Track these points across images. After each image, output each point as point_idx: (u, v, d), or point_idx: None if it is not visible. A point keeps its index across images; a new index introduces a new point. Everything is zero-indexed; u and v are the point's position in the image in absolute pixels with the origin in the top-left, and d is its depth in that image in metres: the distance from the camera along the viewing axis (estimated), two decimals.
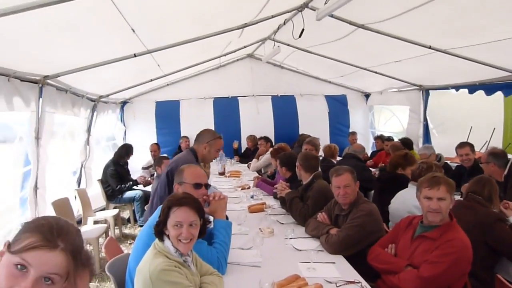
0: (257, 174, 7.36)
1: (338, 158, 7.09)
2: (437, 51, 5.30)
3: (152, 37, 4.67)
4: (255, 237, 3.14)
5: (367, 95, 10.30)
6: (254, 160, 7.77)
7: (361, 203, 3.25)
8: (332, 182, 3.39)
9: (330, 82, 10.09)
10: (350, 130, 9.89)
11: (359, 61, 7.42)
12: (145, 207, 6.66)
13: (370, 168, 6.80)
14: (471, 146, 5.25)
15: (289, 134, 9.60)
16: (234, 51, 7.62)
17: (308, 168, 4.07)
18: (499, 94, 6.42)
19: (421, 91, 8.03)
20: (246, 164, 8.20)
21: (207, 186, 2.82)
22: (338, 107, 10.16)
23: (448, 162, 6.47)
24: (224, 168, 7.16)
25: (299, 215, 3.83)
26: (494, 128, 8.50)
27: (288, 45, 7.37)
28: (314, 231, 3.43)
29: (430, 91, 7.91)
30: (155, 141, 8.88)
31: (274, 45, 6.99)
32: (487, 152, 4.66)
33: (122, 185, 7.01)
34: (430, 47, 5.28)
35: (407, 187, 4.31)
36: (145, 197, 6.96)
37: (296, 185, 4.37)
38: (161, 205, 2.70)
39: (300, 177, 4.18)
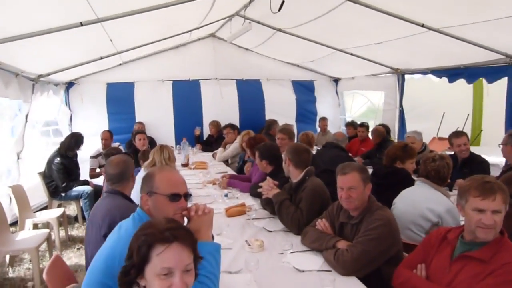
0: (224, 165, 6.66)
1: (316, 148, 6.53)
2: (430, 30, 4.78)
3: (104, 0, 3.76)
4: (247, 258, 2.43)
5: (336, 80, 9.79)
6: (220, 149, 7.01)
7: (375, 209, 2.63)
8: (337, 181, 2.75)
9: (298, 65, 9.45)
10: (320, 116, 9.34)
11: (335, 42, 6.81)
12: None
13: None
14: (467, 136, 4.81)
15: (255, 120, 8.94)
16: (198, 28, 6.75)
17: (299, 163, 3.40)
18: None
19: (397, 76, 7.60)
20: (211, 154, 7.42)
21: (188, 196, 2.06)
22: (305, 93, 9.57)
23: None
24: (188, 159, 6.36)
25: (291, 222, 3.16)
26: (468, 114, 8.31)
27: (259, 22, 6.62)
28: (315, 243, 2.78)
29: (405, 75, 7.50)
30: (106, 128, 7.87)
31: (244, 21, 6.21)
32: (507, 133, 4.30)
33: (70, 183, 6.02)
34: (423, 25, 4.74)
35: (408, 182, 3.79)
36: (95, 193, 6.03)
37: (281, 181, 3.71)
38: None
39: (288, 174, 3.50)
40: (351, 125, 8.26)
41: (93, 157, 6.90)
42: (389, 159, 3.99)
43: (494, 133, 7.88)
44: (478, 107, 8.54)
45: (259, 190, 3.53)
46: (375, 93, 8.81)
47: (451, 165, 3.25)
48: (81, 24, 3.88)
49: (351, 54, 7.13)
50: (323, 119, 9.02)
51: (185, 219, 2.07)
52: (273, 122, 7.30)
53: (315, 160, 4.94)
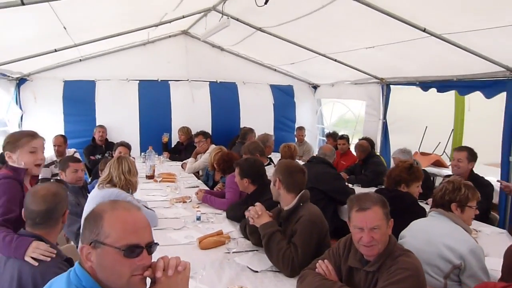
0: (194, 177, 5.97)
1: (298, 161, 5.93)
2: (432, 35, 4.29)
3: None
4: None
5: (314, 87, 9.27)
6: (190, 159, 6.29)
7: (398, 254, 2.04)
8: (351, 218, 2.14)
9: (275, 70, 8.87)
10: (297, 125, 8.78)
11: (319, 45, 6.26)
12: None
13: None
14: (470, 154, 4.28)
15: (229, 127, 8.28)
16: (170, 22, 6.03)
17: (291, 186, 2.77)
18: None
19: (381, 86, 7.15)
20: (180, 164, 6.69)
21: (152, 247, 1.39)
22: (283, 99, 8.94)
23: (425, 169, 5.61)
24: (154, 170, 5.61)
25: (282, 260, 2.52)
26: (453, 129, 7.99)
27: (238, 20, 5.99)
28: None
29: (391, 86, 7.05)
30: (62, 131, 6.98)
31: (222, 17, 5.57)
32: None
33: None
34: (424, 30, 4.25)
35: (415, 209, 3.27)
36: None
37: (266, 205, 3.09)
38: None
39: (278, 198, 2.87)
40: (331, 136, 7.70)
41: (44, 166, 6.01)
42: (392, 181, 3.44)
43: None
44: (459, 122, 8.27)
45: (247, 215, 2.86)
46: (356, 103, 8.35)
47: (452, 188, 2.69)
48: (22, 3, 3.10)
49: (335, 60, 6.62)
50: (300, 129, 8.46)
51: (148, 280, 1.40)
52: (249, 130, 6.64)
53: None
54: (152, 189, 4.82)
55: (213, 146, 6.27)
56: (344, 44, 5.79)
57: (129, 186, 3.44)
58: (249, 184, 3.46)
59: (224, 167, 4.50)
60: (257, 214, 2.73)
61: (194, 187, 5.09)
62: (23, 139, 2.63)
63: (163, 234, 3.18)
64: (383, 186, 5.11)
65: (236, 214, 3.58)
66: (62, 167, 3.94)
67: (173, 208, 4.02)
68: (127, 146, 5.71)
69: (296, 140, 8.55)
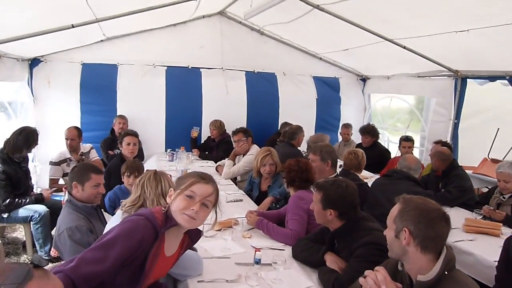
0: (234, 185, 4.96)
1: (368, 175, 4.86)
2: None
3: None
4: None
5: (363, 79, 8.11)
6: (228, 162, 5.24)
7: None
8: None
9: (320, 58, 7.74)
10: (343, 122, 7.68)
11: (388, 29, 5.13)
12: (52, 232, 4.01)
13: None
14: None
15: (266, 123, 7.32)
16: None
17: (431, 244, 1.68)
18: None
19: (454, 79, 5.97)
20: (214, 166, 5.68)
21: None
22: (328, 93, 7.83)
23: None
24: None
25: None
26: None
27: None
28: None
29: (468, 79, 5.87)
30: (78, 123, 6.09)
31: None
32: None
33: (16, 199, 4.23)
34: None
35: None
36: (53, 214, 4.24)
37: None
38: None
39: (400, 258, 1.78)
40: (368, 133, 6.52)
41: (55, 163, 5.10)
42: None
43: None
44: None
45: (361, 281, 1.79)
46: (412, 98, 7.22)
47: None
48: None
49: (403, 47, 5.47)
50: (346, 126, 7.35)
51: None
52: (298, 129, 5.54)
53: (369, 195, 3.36)
54: None
55: (255, 146, 5.26)
56: (424, 27, 4.65)
57: None
58: (334, 217, 2.40)
59: (295, 177, 3.25)
60: (378, 286, 1.66)
61: (237, 200, 4.09)
62: None
63: None
64: (478, 211, 4.06)
65: (310, 258, 2.54)
66: (79, 178, 2.83)
67: (218, 238, 2.99)
68: (135, 135, 4.83)
69: (340, 139, 7.50)
